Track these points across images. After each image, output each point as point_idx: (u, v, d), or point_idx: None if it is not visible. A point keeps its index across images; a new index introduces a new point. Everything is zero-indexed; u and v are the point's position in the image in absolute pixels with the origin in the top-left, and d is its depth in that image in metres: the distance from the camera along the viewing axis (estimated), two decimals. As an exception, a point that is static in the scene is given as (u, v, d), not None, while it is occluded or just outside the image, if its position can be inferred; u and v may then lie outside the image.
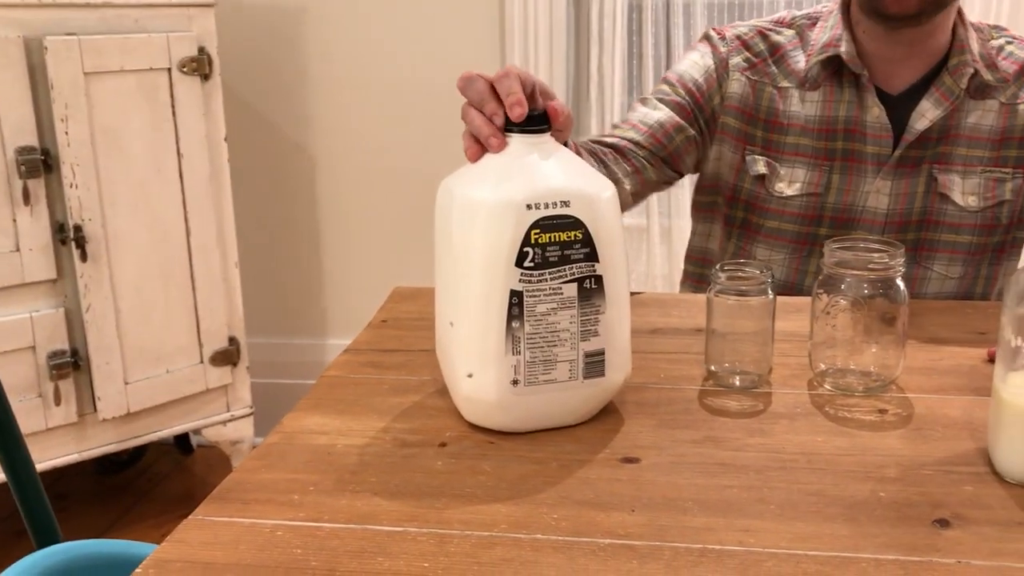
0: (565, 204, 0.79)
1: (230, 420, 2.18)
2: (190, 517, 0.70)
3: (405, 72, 2.41)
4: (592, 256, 0.80)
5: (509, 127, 0.83)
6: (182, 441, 2.55)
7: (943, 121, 1.23)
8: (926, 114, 1.22)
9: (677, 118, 1.29)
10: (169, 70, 1.91)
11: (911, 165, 1.24)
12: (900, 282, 0.88)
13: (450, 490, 0.73)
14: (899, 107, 1.24)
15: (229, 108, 2.10)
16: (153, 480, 2.43)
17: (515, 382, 0.80)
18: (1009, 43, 1.27)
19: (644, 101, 1.32)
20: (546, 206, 0.79)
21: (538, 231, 0.78)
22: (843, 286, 0.89)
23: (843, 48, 1.23)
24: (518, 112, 0.80)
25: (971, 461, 0.76)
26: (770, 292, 0.91)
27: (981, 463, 0.76)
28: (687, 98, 1.30)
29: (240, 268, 2.13)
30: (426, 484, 0.74)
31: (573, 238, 0.79)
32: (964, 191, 1.23)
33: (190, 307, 2.04)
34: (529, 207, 0.78)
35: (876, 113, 1.23)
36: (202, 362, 2.08)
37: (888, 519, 0.68)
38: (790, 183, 1.27)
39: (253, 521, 0.69)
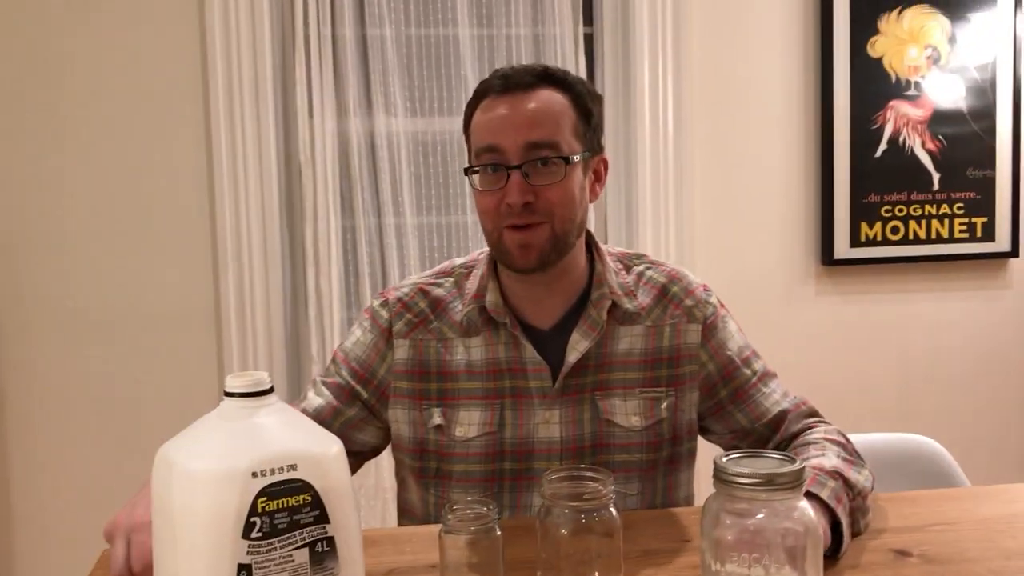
0: (292, 468, 0.79)
1: None
2: None
3: (108, 300, 2.31)
4: (322, 518, 0.80)
5: (231, 392, 0.83)
6: None
7: (596, 349, 1.30)
8: (577, 346, 1.30)
9: (335, 402, 1.34)
10: None
11: (574, 393, 1.31)
12: (612, 508, 0.95)
13: None
14: (553, 341, 1.31)
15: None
16: None
17: (247, 662, 0.76)
18: (649, 268, 1.38)
19: (313, 384, 1.38)
20: (272, 472, 0.78)
21: (265, 499, 0.77)
22: (562, 516, 0.94)
23: (488, 298, 1.32)
24: None
25: None
26: (497, 529, 0.94)
27: None
28: (348, 378, 1.35)
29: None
30: None
31: (302, 502, 0.79)
32: (627, 412, 1.31)
33: None
34: (255, 475, 0.77)
35: (530, 351, 1.30)
36: None
37: None
38: (468, 426, 1.32)
39: None
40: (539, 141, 1.23)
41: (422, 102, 2.45)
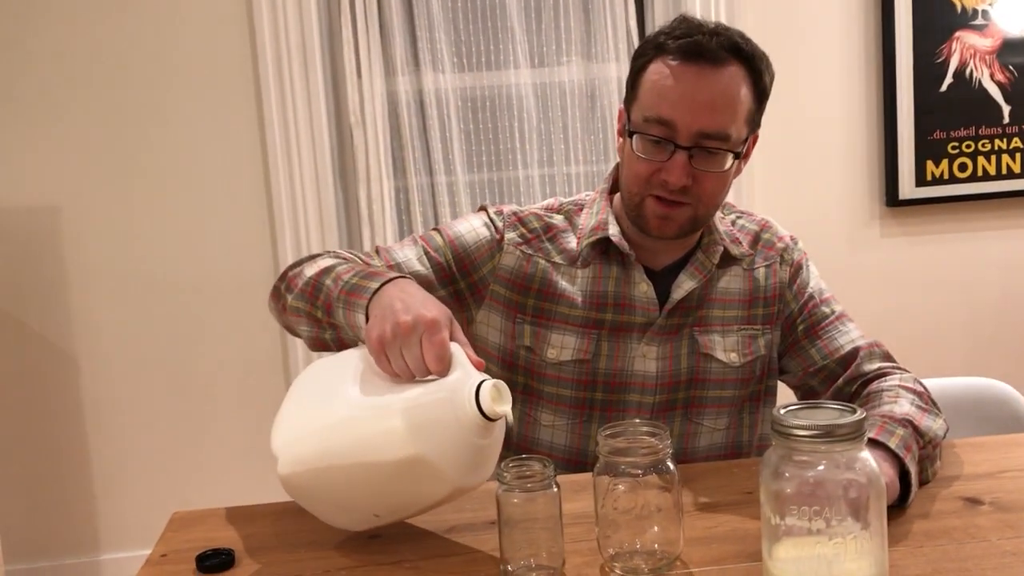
0: None
1: (-10, 668, 1.92)
2: None
3: (171, 264, 2.36)
4: None
5: None
6: None
7: (698, 289, 1.33)
8: (683, 285, 1.32)
9: (432, 278, 1.32)
10: (-96, 288, 1.77)
11: (674, 332, 1.33)
12: (670, 462, 0.94)
13: None
14: (661, 280, 1.33)
15: (-23, 320, 1.95)
16: None
17: None
18: (739, 218, 1.41)
19: (414, 242, 1.36)
20: None
21: None
22: (619, 471, 0.93)
23: (611, 231, 1.32)
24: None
25: (755, 635, 0.80)
26: (554, 485, 0.94)
27: (763, 636, 0.80)
28: (452, 261, 1.34)
29: (-4, 492, 1.93)
30: None
31: None
32: (725, 348, 1.33)
33: (-64, 545, 1.82)
34: None
35: (644, 288, 1.32)
36: (-47, 606, 1.85)
37: None
38: (561, 349, 1.33)
39: None
40: (713, 132, 1.21)
41: (469, 57, 2.43)
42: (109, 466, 2.38)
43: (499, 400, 0.96)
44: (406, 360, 0.98)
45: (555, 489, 0.94)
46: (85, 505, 2.39)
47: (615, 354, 1.33)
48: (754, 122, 1.27)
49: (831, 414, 0.79)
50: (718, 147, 1.22)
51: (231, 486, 2.34)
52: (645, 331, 1.32)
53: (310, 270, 1.23)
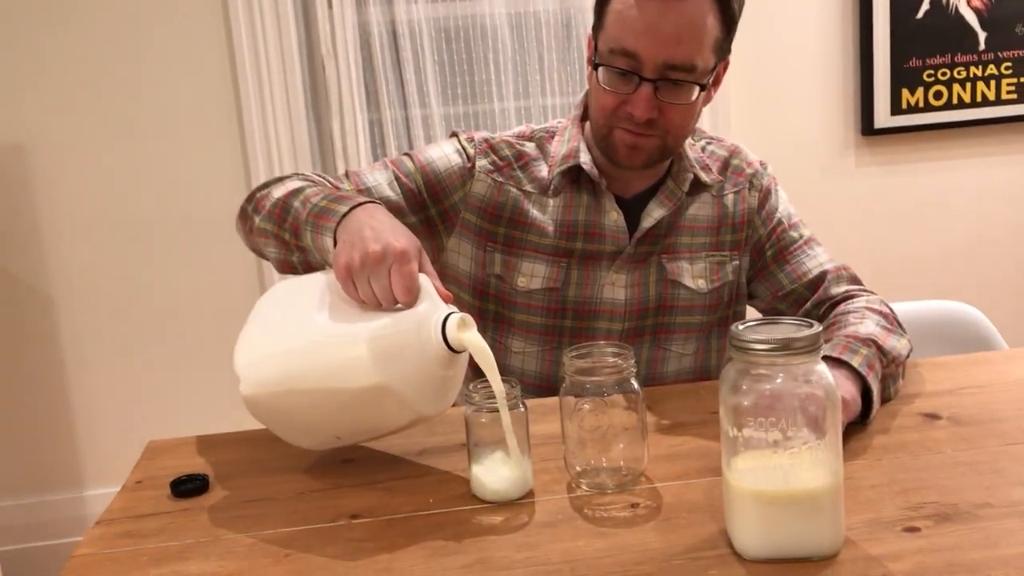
0: None
1: (-22, 600, 1.96)
2: None
3: (143, 200, 2.34)
4: None
5: None
6: (-79, 631, 2.25)
7: (668, 218, 1.34)
8: (652, 214, 1.32)
9: (402, 203, 1.31)
10: None
11: (643, 260, 1.34)
12: (635, 381, 0.95)
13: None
14: (631, 208, 1.34)
15: (-52, 259, 1.94)
16: None
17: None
18: (709, 144, 1.41)
19: (385, 167, 1.35)
20: None
21: None
22: (584, 391, 0.95)
23: (582, 159, 1.32)
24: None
25: (715, 544, 0.83)
26: (521, 405, 0.96)
27: (723, 545, 0.83)
28: (423, 187, 1.33)
29: (-24, 430, 1.94)
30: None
31: None
32: (693, 275, 1.35)
33: (-82, 482, 1.84)
34: None
35: (614, 217, 1.33)
36: (-62, 541, 1.87)
37: (646, 617, 0.72)
38: (531, 277, 1.34)
39: None
40: (678, 63, 1.19)
41: (442, -14, 2.39)
42: (89, 403, 2.40)
43: (465, 333, 0.97)
44: (374, 289, 0.98)
45: (522, 409, 0.96)
46: (67, 442, 2.41)
47: (584, 282, 1.34)
48: (723, 50, 1.26)
49: (788, 328, 0.80)
50: (684, 79, 1.21)
51: (211, 419, 2.36)
52: (614, 259, 1.33)
53: (278, 191, 1.21)
